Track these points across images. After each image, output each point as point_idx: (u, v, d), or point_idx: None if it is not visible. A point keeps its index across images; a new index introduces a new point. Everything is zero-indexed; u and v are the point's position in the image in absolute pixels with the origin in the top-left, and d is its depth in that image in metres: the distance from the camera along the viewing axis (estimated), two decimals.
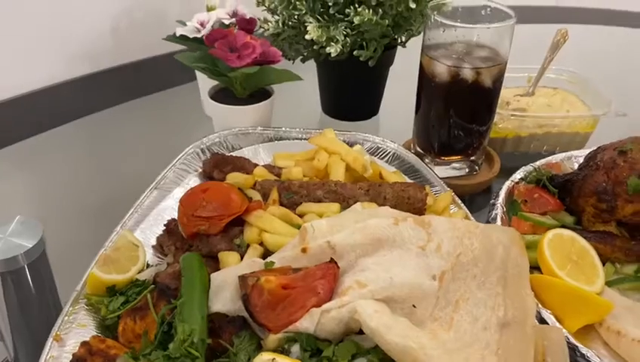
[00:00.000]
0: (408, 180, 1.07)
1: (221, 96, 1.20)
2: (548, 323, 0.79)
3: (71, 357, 0.73)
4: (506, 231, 0.85)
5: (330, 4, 1.15)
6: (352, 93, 1.37)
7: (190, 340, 0.66)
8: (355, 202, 0.93)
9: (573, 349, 0.76)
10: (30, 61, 1.45)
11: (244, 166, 1.06)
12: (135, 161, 1.28)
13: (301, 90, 1.49)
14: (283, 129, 1.18)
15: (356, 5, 1.13)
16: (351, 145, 1.12)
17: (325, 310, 0.70)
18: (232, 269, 0.78)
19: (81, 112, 1.46)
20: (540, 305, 0.81)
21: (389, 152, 1.16)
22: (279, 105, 1.26)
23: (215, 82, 1.22)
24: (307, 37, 1.13)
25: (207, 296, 0.75)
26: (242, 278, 0.73)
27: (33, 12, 1.39)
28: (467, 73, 1.04)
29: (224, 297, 0.74)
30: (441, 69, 1.05)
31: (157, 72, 1.58)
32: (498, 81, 1.07)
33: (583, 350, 0.75)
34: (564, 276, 0.84)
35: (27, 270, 0.90)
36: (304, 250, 0.79)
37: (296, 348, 0.69)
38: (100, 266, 0.84)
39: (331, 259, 0.76)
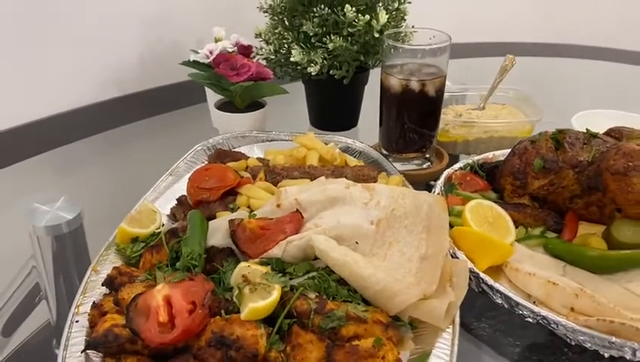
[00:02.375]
0: None
1: (225, 107, 1.50)
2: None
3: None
4: (432, 195, 1.12)
5: (311, 34, 1.46)
6: (333, 108, 1.66)
7: (191, 256, 0.93)
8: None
9: (477, 277, 1.01)
10: (69, 85, 1.78)
11: (240, 158, 1.34)
12: (154, 162, 1.56)
13: (293, 108, 1.79)
14: (274, 132, 1.47)
15: (331, 36, 1.43)
16: (326, 144, 1.41)
17: (290, 241, 0.97)
18: (225, 218, 1.05)
19: (110, 126, 1.77)
20: (456, 249, 1.06)
21: (357, 150, 1.44)
22: (276, 121, 1.55)
23: (220, 97, 1.52)
24: (292, 59, 1.43)
25: (206, 237, 1.02)
26: (231, 220, 1.00)
27: (74, 43, 1.73)
28: (414, 84, 1.32)
29: (217, 236, 1.01)
30: (394, 82, 1.34)
31: (173, 95, 1.90)
32: (440, 91, 1.36)
33: (482, 275, 0.99)
34: (478, 230, 1.10)
35: (68, 236, 1.19)
36: (278, 206, 1.06)
37: (267, 269, 0.95)
38: (127, 223, 1.12)
39: (297, 210, 1.03)
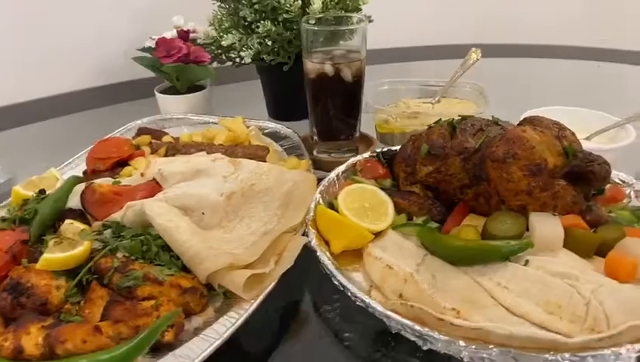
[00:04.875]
0: (282, 151, 1.35)
1: (167, 91, 1.55)
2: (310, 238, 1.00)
3: None
4: (303, 174, 1.09)
5: (249, 20, 1.47)
6: (287, 99, 1.66)
7: (27, 211, 0.97)
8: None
9: (315, 252, 0.97)
10: (64, 73, 1.94)
11: (159, 136, 1.38)
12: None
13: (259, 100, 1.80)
14: (206, 116, 1.50)
15: (266, 21, 1.44)
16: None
17: (129, 206, 0.99)
18: (88, 182, 1.09)
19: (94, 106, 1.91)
20: (310, 228, 1.02)
21: (284, 135, 1.43)
22: (240, 111, 1.58)
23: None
24: (223, 43, 1.45)
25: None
26: (85, 184, 1.04)
27: (70, 41, 1.90)
28: (328, 68, 1.30)
29: (75, 198, 1.06)
30: (310, 67, 1.32)
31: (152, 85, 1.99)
32: (357, 76, 1.32)
33: (319, 254, 0.95)
34: (347, 213, 1.05)
35: None
36: (142, 175, 1.09)
37: (108, 231, 0.98)
38: (24, 186, 1.18)
39: (153, 178, 1.05)
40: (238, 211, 1.02)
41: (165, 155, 1.25)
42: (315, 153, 1.42)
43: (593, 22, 2.40)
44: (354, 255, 1.02)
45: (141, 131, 1.40)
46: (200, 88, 1.56)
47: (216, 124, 1.48)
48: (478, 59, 1.62)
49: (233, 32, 1.48)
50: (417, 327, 0.80)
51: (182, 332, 0.81)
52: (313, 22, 1.30)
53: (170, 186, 1.06)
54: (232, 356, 0.87)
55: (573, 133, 1.12)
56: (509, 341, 0.76)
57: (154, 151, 1.26)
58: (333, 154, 1.41)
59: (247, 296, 0.86)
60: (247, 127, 1.39)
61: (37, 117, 1.87)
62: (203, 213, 1.00)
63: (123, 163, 1.21)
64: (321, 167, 1.37)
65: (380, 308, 0.84)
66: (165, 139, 1.34)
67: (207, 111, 1.56)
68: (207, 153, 1.23)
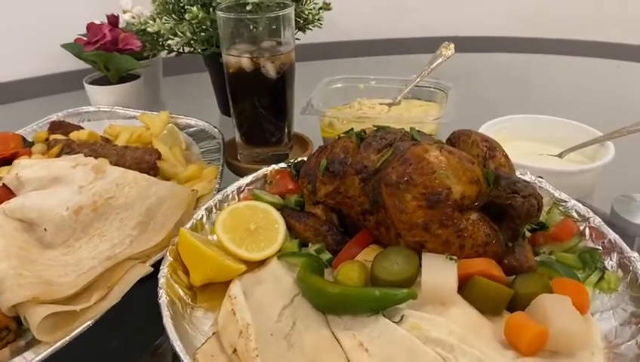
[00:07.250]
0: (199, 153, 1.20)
1: (98, 81, 1.43)
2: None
3: None
4: (172, 188, 0.94)
5: (182, 4, 1.32)
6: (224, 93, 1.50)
7: None
8: (107, 160, 1.08)
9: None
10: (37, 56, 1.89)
11: (71, 131, 1.26)
12: None
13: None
14: (132, 110, 1.36)
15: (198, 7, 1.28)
16: (181, 127, 1.28)
17: None
18: None
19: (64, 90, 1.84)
20: (169, 254, 0.86)
21: (211, 135, 1.28)
22: (192, 105, 1.46)
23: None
24: (149, 29, 1.31)
25: None
26: None
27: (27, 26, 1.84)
28: (246, 63, 1.13)
29: None
30: (227, 61, 1.15)
31: None
32: (282, 71, 1.14)
33: (159, 287, 0.79)
34: (224, 237, 0.89)
35: None
36: (0, 179, 0.96)
37: None
38: None
39: (3, 185, 0.93)
40: (88, 229, 0.88)
41: (59, 155, 1.12)
42: (239, 158, 1.26)
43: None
44: (224, 289, 0.86)
45: (53, 125, 1.28)
46: (134, 78, 1.42)
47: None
48: (450, 56, 1.41)
49: (165, 17, 1.33)
50: None
51: None
52: (229, 9, 1.14)
53: (23, 194, 0.93)
54: None
55: (505, 155, 0.91)
56: None
57: (50, 149, 1.13)
58: (257, 161, 1.25)
59: (45, 337, 0.71)
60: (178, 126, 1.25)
61: None
62: (45, 229, 0.86)
63: (8, 162, 1.10)
64: (244, 174, 1.21)
65: None
66: (73, 135, 1.21)
67: (142, 105, 1.42)
68: (99, 153, 1.10)
